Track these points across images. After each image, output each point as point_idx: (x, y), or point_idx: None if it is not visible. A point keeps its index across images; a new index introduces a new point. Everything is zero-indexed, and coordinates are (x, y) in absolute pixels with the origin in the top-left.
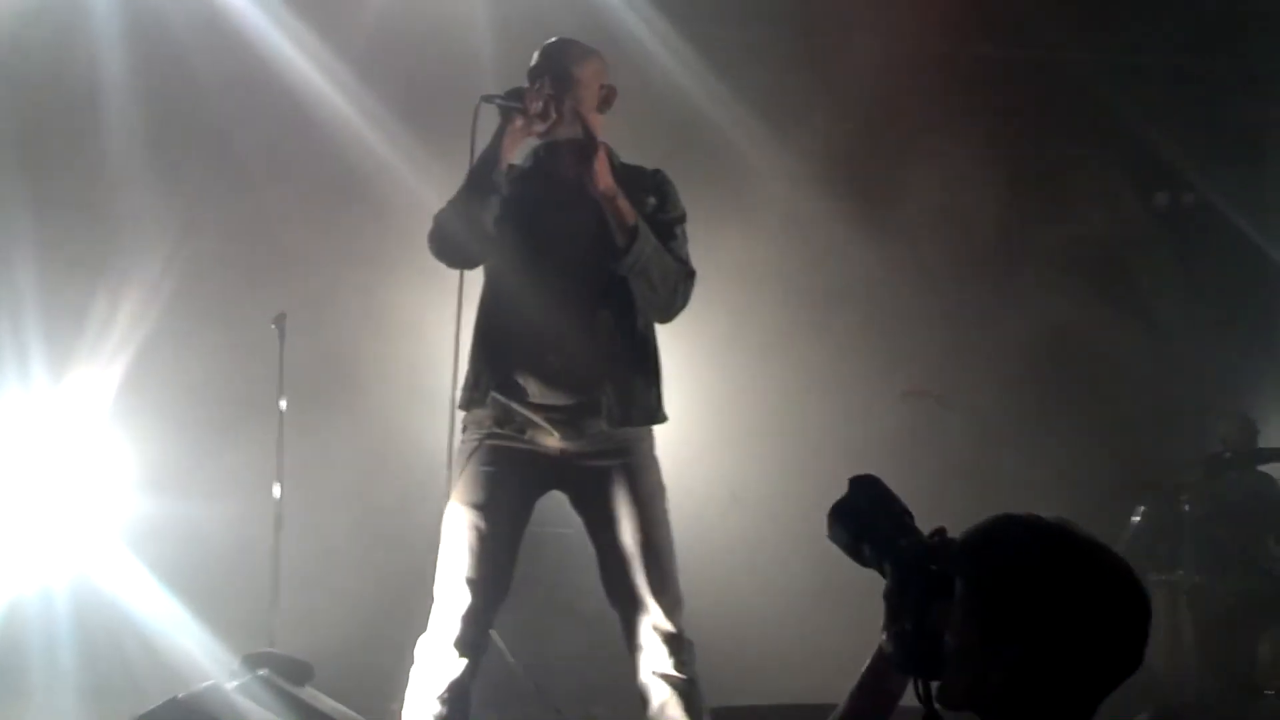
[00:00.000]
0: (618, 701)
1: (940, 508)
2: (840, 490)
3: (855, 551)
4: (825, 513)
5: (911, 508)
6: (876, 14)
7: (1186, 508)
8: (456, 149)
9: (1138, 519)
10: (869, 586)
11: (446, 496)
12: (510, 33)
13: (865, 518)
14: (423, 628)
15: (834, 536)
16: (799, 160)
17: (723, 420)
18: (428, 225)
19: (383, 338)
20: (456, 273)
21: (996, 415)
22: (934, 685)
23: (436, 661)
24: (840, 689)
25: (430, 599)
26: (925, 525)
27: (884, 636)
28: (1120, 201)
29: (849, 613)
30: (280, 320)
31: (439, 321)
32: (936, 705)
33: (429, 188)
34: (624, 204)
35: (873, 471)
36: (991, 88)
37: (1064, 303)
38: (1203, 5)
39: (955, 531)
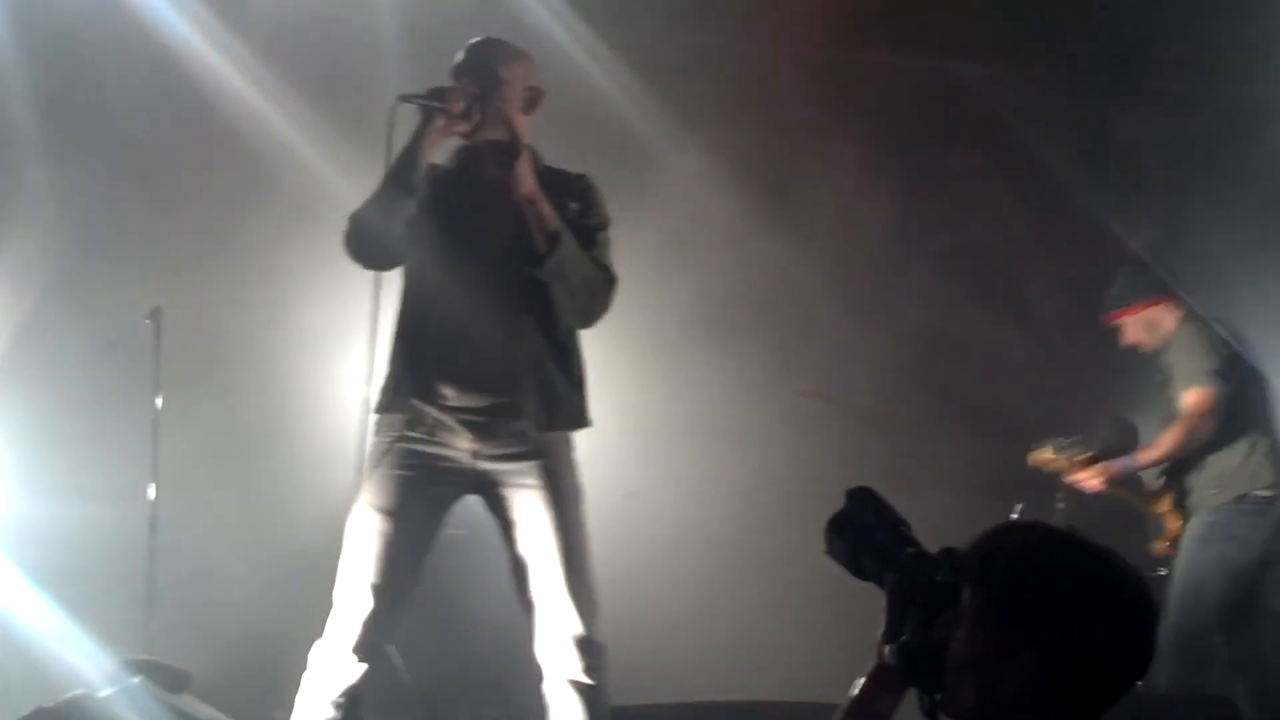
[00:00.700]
0: (507, 703)
1: (829, 503)
2: (727, 485)
3: (854, 564)
4: (719, 509)
5: (800, 506)
6: (777, 16)
7: (1060, 505)
8: (355, 138)
9: (1015, 516)
10: (763, 583)
11: (355, 500)
12: (414, 21)
13: (864, 530)
14: (304, 634)
15: (832, 550)
16: (701, 158)
17: (617, 418)
18: (322, 217)
19: (267, 335)
20: (350, 269)
21: (884, 414)
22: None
23: (333, 667)
24: (735, 684)
25: (313, 605)
26: (813, 519)
27: (886, 650)
28: (1005, 209)
29: (743, 608)
30: (156, 314)
31: (327, 319)
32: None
33: (325, 179)
34: (546, 209)
35: (763, 467)
36: (886, 93)
37: (950, 306)
38: (1086, 20)
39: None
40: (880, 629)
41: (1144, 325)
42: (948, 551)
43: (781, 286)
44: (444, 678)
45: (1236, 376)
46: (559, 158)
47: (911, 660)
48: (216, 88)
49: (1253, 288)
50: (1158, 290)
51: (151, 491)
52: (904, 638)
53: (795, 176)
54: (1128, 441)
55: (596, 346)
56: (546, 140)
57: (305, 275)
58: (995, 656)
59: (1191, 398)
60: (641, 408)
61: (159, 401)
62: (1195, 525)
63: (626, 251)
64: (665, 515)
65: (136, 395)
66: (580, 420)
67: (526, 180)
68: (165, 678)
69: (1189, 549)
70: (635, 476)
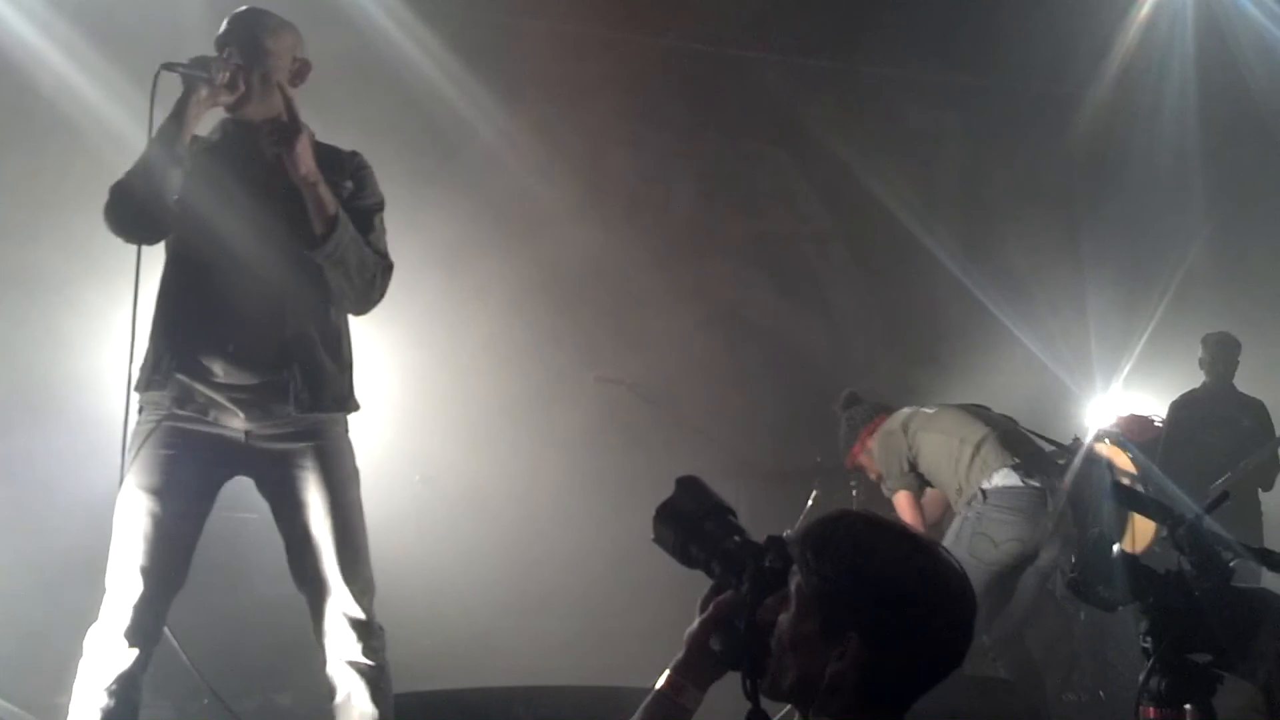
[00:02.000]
0: (300, 689)
1: (625, 489)
2: (525, 471)
3: (682, 552)
4: (520, 495)
5: (598, 490)
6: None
7: (854, 492)
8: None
9: (810, 503)
10: (558, 567)
11: (121, 480)
12: None
13: (692, 518)
14: (86, 619)
15: (660, 538)
16: (504, 143)
17: (413, 401)
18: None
19: (40, 312)
20: (127, 246)
21: (681, 400)
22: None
23: (106, 652)
24: (531, 670)
25: (95, 589)
26: (608, 504)
27: (713, 641)
28: (801, 199)
29: (539, 594)
30: None
31: (102, 296)
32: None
33: (94, 146)
34: (325, 191)
35: (561, 452)
36: (689, 80)
37: (748, 293)
38: (887, 18)
39: (632, 518)
40: (694, 621)
41: (867, 459)
42: (775, 539)
43: (583, 272)
44: (237, 663)
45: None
46: (363, 135)
47: (738, 646)
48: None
49: (1039, 276)
50: (854, 434)
51: None
52: (730, 621)
53: (600, 162)
54: None
55: (394, 329)
56: (351, 116)
57: (83, 250)
58: (821, 639)
59: (896, 503)
60: (439, 392)
61: None
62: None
63: (430, 234)
64: (462, 500)
65: None
66: (346, 403)
67: (306, 161)
68: None
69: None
70: (432, 461)
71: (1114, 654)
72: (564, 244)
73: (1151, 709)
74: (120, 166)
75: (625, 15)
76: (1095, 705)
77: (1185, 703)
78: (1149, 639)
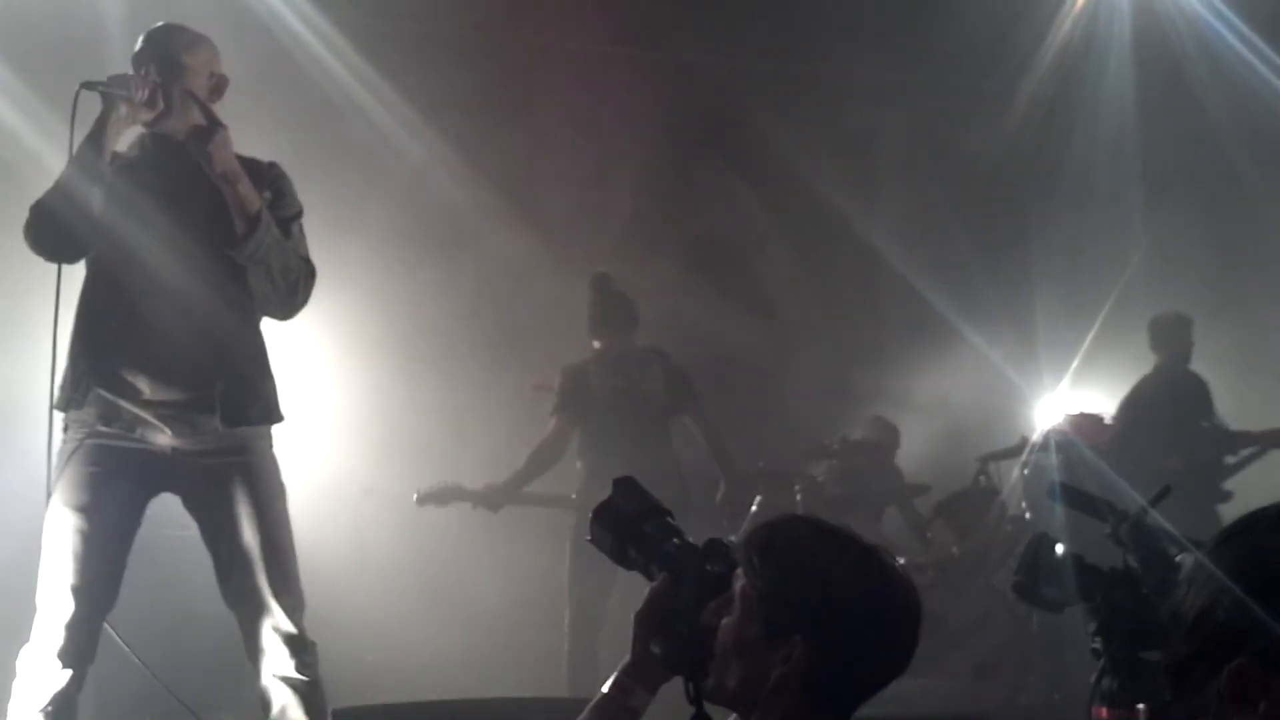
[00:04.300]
0: (240, 708)
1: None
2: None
3: (620, 554)
4: (459, 507)
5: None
6: (516, 7)
7: (799, 496)
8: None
9: (755, 507)
10: (499, 579)
11: (47, 500)
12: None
13: (630, 520)
14: (11, 641)
15: (597, 540)
16: (435, 152)
17: (352, 415)
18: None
19: None
20: (46, 265)
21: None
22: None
23: (39, 674)
24: (466, 684)
25: (22, 608)
26: (549, 515)
27: (654, 645)
28: (741, 200)
29: (479, 606)
30: None
31: (21, 315)
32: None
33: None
34: (246, 188)
35: (501, 463)
36: (626, 85)
37: (689, 298)
38: (823, 16)
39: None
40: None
41: None
42: (715, 542)
43: (521, 280)
44: (173, 681)
45: None
46: (291, 151)
47: (681, 650)
48: None
49: (984, 273)
50: None
51: None
52: (672, 624)
53: (536, 169)
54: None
55: (332, 343)
56: (277, 134)
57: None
58: (766, 643)
59: None
60: (377, 406)
61: None
62: None
63: (366, 247)
64: (402, 512)
65: None
66: (273, 414)
67: (225, 158)
68: None
69: None
70: (371, 474)
71: (1069, 655)
72: (500, 253)
73: (1104, 709)
74: (39, 185)
75: (557, 21)
76: (1049, 708)
77: (1138, 702)
78: (1099, 639)
